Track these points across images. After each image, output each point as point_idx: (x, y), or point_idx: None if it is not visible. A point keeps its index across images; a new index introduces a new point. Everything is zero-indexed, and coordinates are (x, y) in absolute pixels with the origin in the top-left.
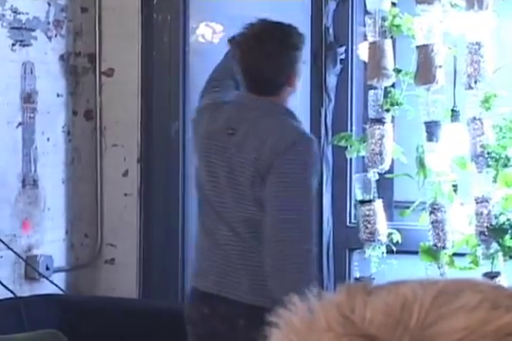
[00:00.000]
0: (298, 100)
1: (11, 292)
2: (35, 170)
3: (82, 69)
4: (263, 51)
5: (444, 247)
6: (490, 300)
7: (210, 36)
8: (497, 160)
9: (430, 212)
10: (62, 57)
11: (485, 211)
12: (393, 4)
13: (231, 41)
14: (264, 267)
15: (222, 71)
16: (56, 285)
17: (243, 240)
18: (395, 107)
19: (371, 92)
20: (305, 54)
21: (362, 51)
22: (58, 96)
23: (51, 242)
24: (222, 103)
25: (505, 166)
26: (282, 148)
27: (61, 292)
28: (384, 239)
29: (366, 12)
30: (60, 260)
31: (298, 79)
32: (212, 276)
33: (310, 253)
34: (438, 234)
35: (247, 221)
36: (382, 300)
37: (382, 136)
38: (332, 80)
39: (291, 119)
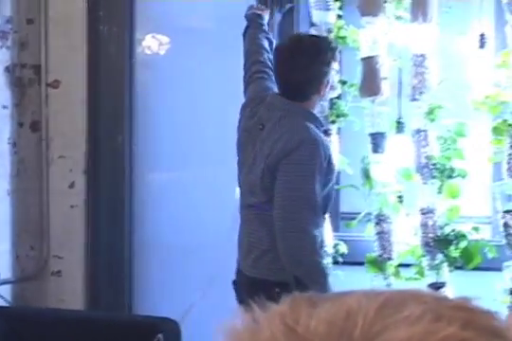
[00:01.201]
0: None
1: None
2: None
3: (27, 81)
4: (295, 64)
5: (389, 258)
6: (434, 311)
7: (156, 48)
8: (442, 171)
9: (376, 223)
10: (7, 68)
11: (431, 222)
12: (339, 16)
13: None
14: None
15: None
16: (2, 297)
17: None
18: (341, 119)
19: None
20: None
21: None
22: (3, 107)
23: None
24: (261, 100)
25: (450, 177)
26: (288, 149)
27: (7, 304)
28: (330, 250)
29: (312, 24)
30: (6, 272)
31: (327, 87)
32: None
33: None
34: (384, 245)
35: (255, 206)
36: (327, 311)
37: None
38: None
39: (309, 122)
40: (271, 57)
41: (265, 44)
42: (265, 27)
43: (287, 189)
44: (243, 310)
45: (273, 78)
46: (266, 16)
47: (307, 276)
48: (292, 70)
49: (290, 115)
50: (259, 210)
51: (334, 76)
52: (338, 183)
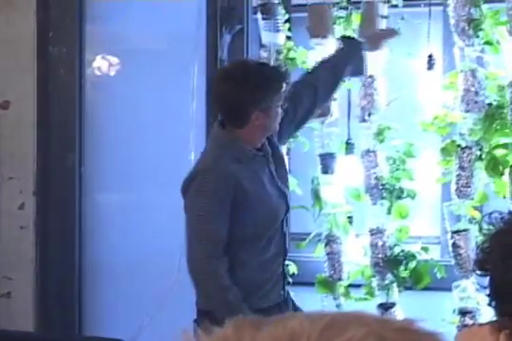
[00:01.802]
0: (193, 133)
1: None
2: None
3: None
4: (220, 91)
5: (339, 279)
6: (376, 334)
7: (106, 68)
8: (391, 192)
9: (326, 244)
10: None
11: (380, 242)
12: (288, 37)
13: None
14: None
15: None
16: None
17: None
18: (291, 140)
19: None
20: (200, 87)
21: None
22: None
23: None
24: None
25: (399, 198)
26: (189, 178)
27: None
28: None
29: (261, 45)
30: None
31: (267, 117)
32: None
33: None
34: (334, 265)
35: None
36: (270, 334)
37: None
38: None
39: (223, 150)
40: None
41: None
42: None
43: (186, 224)
44: (189, 335)
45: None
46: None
47: (212, 308)
48: (219, 95)
49: (210, 142)
50: None
51: (279, 107)
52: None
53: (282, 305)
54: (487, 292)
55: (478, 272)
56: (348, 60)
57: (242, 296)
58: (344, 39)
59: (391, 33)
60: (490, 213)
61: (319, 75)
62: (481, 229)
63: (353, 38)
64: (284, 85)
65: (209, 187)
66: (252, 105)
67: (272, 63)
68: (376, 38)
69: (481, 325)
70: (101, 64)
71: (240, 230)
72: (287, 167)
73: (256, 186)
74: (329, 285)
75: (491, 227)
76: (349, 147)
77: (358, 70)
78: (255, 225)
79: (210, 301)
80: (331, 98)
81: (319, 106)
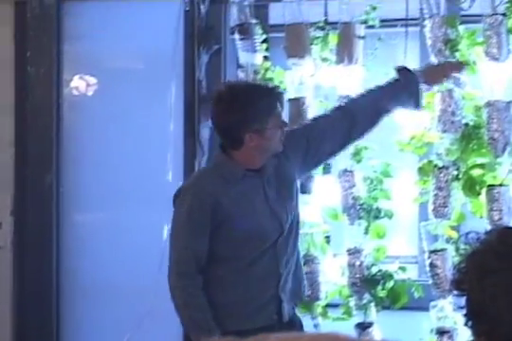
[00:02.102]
0: (171, 153)
1: None
2: None
3: None
4: (213, 113)
5: (317, 298)
6: None
7: (83, 88)
8: (368, 212)
9: (304, 264)
10: None
11: (358, 262)
12: (265, 57)
13: None
14: None
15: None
16: None
17: None
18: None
19: None
20: (178, 107)
21: None
22: None
23: None
24: None
25: (376, 217)
26: (173, 199)
27: None
28: None
29: (238, 66)
30: None
31: (262, 137)
32: None
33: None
34: (312, 285)
35: None
36: None
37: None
38: (205, 133)
39: (213, 171)
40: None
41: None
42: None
43: None
44: None
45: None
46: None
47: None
48: (213, 118)
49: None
50: None
51: (276, 127)
52: None
53: (276, 328)
54: (464, 312)
55: (455, 292)
56: (401, 93)
57: (212, 314)
58: (401, 70)
59: (456, 66)
60: (467, 233)
61: (362, 106)
62: (458, 249)
63: (409, 70)
64: (278, 106)
65: (185, 205)
66: (243, 127)
67: (265, 84)
68: (439, 71)
69: None
70: (79, 84)
71: (219, 249)
72: (295, 189)
73: (240, 206)
74: (307, 305)
75: (468, 247)
76: (326, 167)
77: (414, 105)
78: (236, 246)
79: (180, 317)
80: (369, 132)
81: (351, 141)
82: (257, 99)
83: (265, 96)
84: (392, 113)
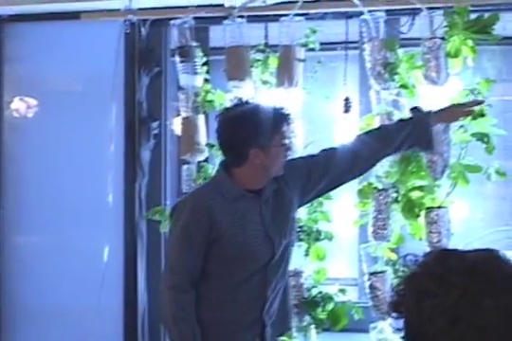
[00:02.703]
0: (111, 175)
1: None
2: None
3: None
4: (220, 129)
5: None
6: None
7: (24, 110)
8: (308, 234)
9: None
10: None
11: (298, 284)
12: (206, 80)
13: None
14: None
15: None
16: None
17: None
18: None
19: (184, 166)
20: (119, 129)
21: (176, 126)
22: None
23: None
24: None
25: (317, 239)
26: (170, 213)
27: None
28: None
29: (179, 88)
30: None
31: (267, 155)
32: None
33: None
34: None
35: None
36: None
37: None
38: (146, 155)
39: (212, 187)
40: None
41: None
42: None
43: None
44: None
45: (309, 158)
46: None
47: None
48: (220, 134)
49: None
50: None
51: (280, 147)
52: None
53: None
54: (402, 334)
55: (393, 314)
56: (410, 134)
57: (200, 331)
58: (415, 110)
59: (473, 105)
60: (405, 256)
61: (369, 145)
62: (397, 271)
63: (422, 110)
64: (284, 126)
65: (182, 219)
66: (250, 141)
67: (271, 105)
68: (457, 111)
69: None
70: (20, 106)
71: (210, 266)
72: (291, 216)
73: (236, 225)
74: None
75: (406, 270)
76: None
77: (424, 145)
78: (226, 264)
79: (168, 332)
80: (371, 169)
81: (353, 177)
82: (264, 116)
83: (271, 113)
84: (399, 152)
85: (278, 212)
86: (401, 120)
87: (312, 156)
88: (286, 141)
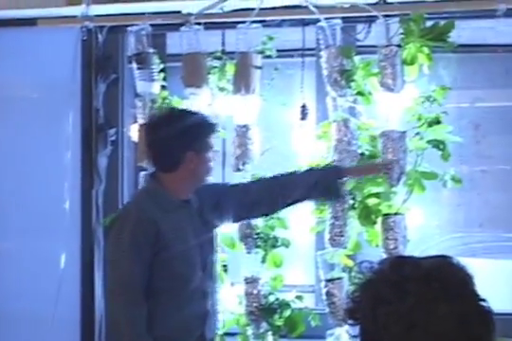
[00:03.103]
0: (68, 182)
1: None
2: None
3: None
4: (154, 134)
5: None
6: None
7: None
8: (265, 241)
9: None
10: None
11: (255, 291)
12: (163, 87)
13: None
14: None
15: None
16: None
17: None
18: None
19: (141, 173)
20: (75, 135)
21: (133, 133)
22: None
23: None
24: None
25: (274, 246)
26: (108, 227)
27: None
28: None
29: (136, 95)
30: None
31: (200, 160)
32: None
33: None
34: None
35: None
36: None
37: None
38: (103, 162)
39: (148, 197)
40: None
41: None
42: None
43: (106, 268)
44: None
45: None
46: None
47: None
48: (152, 139)
49: (139, 190)
50: None
51: (211, 153)
52: None
53: None
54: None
55: (349, 321)
56: (319, 183)
57: None
58: (327, 166)
59: (378, 169)
60: (360, 262)
61: (278, 187)
62: (353, 278)
63: (335, 166)
64: (214, 132)
65: (126, 231)
66: (186, 144)
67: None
68: (369, 169)
69: None
70: None
71: (154, 279)
72: (213, 230)
73: (177, 236)
74: None
75: (361, 277)
76: None
77: (332, 196)
78: (170, 277)
79: None
80: (275, 212)
81: (258, 216)
82: (198, 121)
83: (203, 119)
84: (310, 199)
85: (203, 225)
86: (312, 169)
87: (226, 186)
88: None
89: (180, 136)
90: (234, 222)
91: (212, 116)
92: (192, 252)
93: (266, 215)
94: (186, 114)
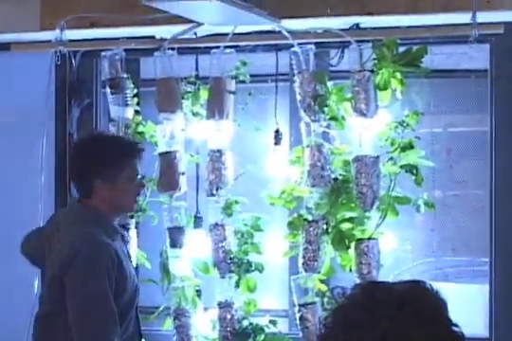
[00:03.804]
0: (42, 207)
1: None
2: None
3: None
4: (69, 158)
5: None
6: None
7: None
8: (239, 265)
9: (175, 317)
10: None
11: (229, 316)
12: (137, 111)
13: None
14: None
15: None
16: None
17: None
18: (139, 213)
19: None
20: (49, 160)
21: None
22: None
23: None
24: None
25: (247, 271)
26: (67, 261)
27: None
28: None
29: (110, 120)
30: None
31: (113, 189)
32: None
33: None
34: (183, 339)
35: (45, 316)
36: None
37: (127, 242)
38: None
39: (94, 226)
40: None
41: None
42: None
43: (77, 301)
44: None
45: None
46: None
47: None
48: (68, 163)
49: (73, 218)
50: None
51: (129, 181)
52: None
53: None
54: None
55: None
56: None
57: None
58: None
59: None
60: (333, 288)
61: None
62: (326, 303)
63: None
64: (135, 161)
65: (98, 264)
66: (95, 172)
67: (127, 138)
68: None
69: None
70: None
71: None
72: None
73: (127, 265)
74: None
75: (334, 302)
76: (197, 221)
77: None
78: (122, 305)
79: None
80: None
81: None
82: (113, 147)
83: (122, 146)
84: None
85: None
86: None
87: None
88: (138, 176)
89: (87, 164)
90: None
91: (139, 141)
92: (132, 275)
93: None
94: (100, 140)
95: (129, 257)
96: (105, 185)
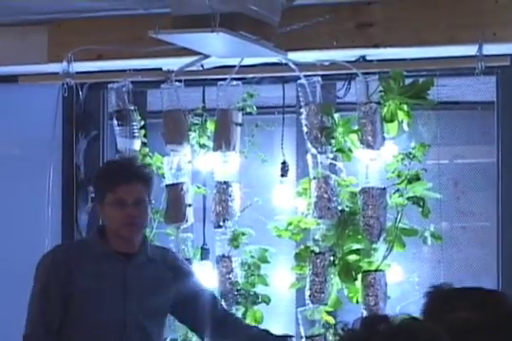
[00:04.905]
0: (49, 239)
1: None
2: None
3: None
4: None
5: None
6: None
7: None
8: (246, 297)
9: None
10: None
11: None
12: (144, 143)
13: None
14: None
15: None
16: None
17: None
18: None
19: None
20: (56, 192)
21: None
22: None
23: None
24: None
25: (254, 303)
26: None
27: None
28: None
29: (117, 151)
30: None
31: (102, 211)
32: None
33: None
34: None
35: None
36: None
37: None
38: (83, 219)
39: (69, 242)
40: None
41: None
42: None
43: None
44: None
45: None
46: None
47: None
48: None
49: None
50: None
51: (112, 206)
52: None
53: None
54: None
55: None
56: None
57: None
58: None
59: None
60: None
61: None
62: (334, 335)
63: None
64: (120, 183)
65: (41, 273)
66: (95, 196)
67: (125, 165)
68: None
69: None
70: None
71: (63, 324)
72: (163, 296)
73: (91, 285)
74: None
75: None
76: (204, 252)
77: None
78: (76, 325)
79: None
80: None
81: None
82: (102, 171)
83: (111, 170)
84: None
85: (148, 284)
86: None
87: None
88: (123, 200)
89: (93, 189)
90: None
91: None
92: (108, 305)
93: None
94: (104, 163)
95: (125, 289)
96: (98, 208)
